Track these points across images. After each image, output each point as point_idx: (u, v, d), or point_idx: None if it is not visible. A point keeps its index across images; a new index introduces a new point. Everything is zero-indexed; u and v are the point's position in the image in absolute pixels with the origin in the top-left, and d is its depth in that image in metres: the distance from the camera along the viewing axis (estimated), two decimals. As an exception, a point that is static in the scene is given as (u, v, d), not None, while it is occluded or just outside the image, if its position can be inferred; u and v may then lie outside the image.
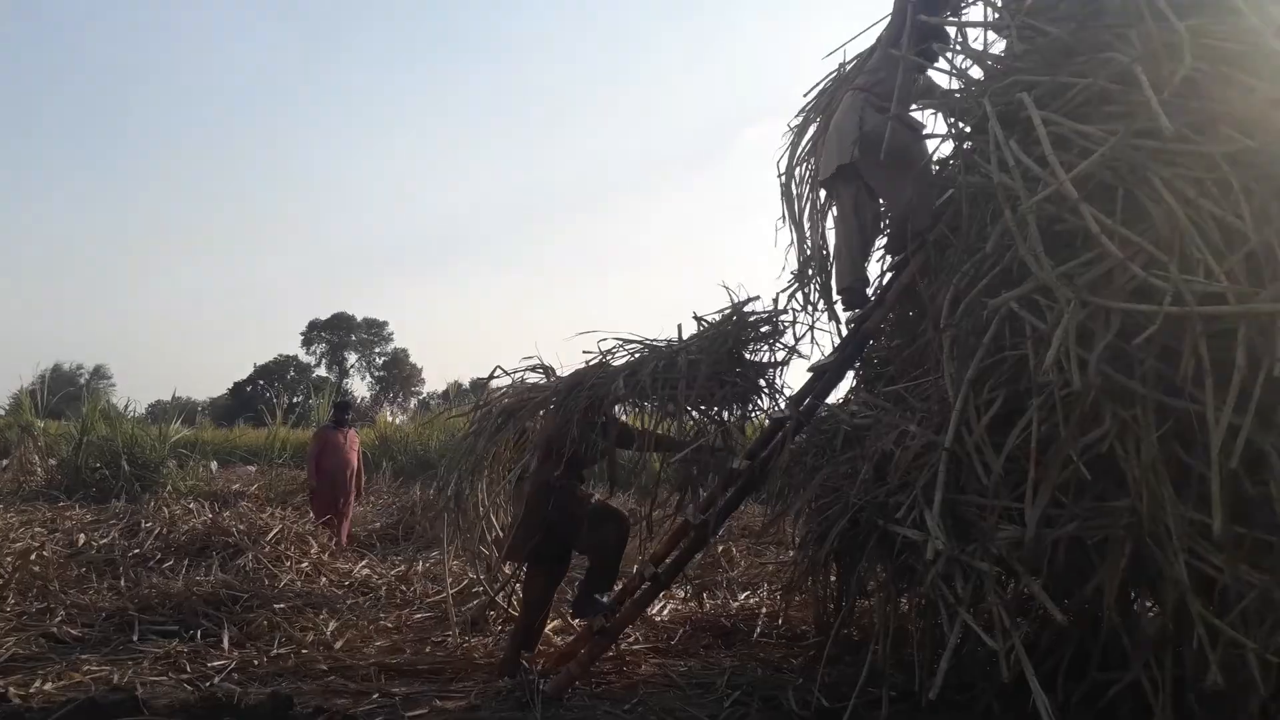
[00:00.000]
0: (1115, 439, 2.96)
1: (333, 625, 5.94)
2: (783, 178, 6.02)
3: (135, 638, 5.64)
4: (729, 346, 5.09)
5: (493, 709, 4.41)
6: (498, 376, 5.96)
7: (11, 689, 4.47)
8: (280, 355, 58.09)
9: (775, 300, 5.44)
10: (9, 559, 7.00)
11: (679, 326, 5.33)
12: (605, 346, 5.39)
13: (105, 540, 7.86)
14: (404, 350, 60.64)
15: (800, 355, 5.24)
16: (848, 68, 5.77)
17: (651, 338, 5.36)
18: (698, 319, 5.34)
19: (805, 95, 6.00)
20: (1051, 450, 3.00)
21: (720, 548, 7.56)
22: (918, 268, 4.63)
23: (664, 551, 5.15)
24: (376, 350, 61.70)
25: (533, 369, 5.84)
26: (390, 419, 25.76)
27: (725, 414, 5.16)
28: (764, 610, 6.09)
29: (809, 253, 5.80)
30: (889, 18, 5.04)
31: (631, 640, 5.48)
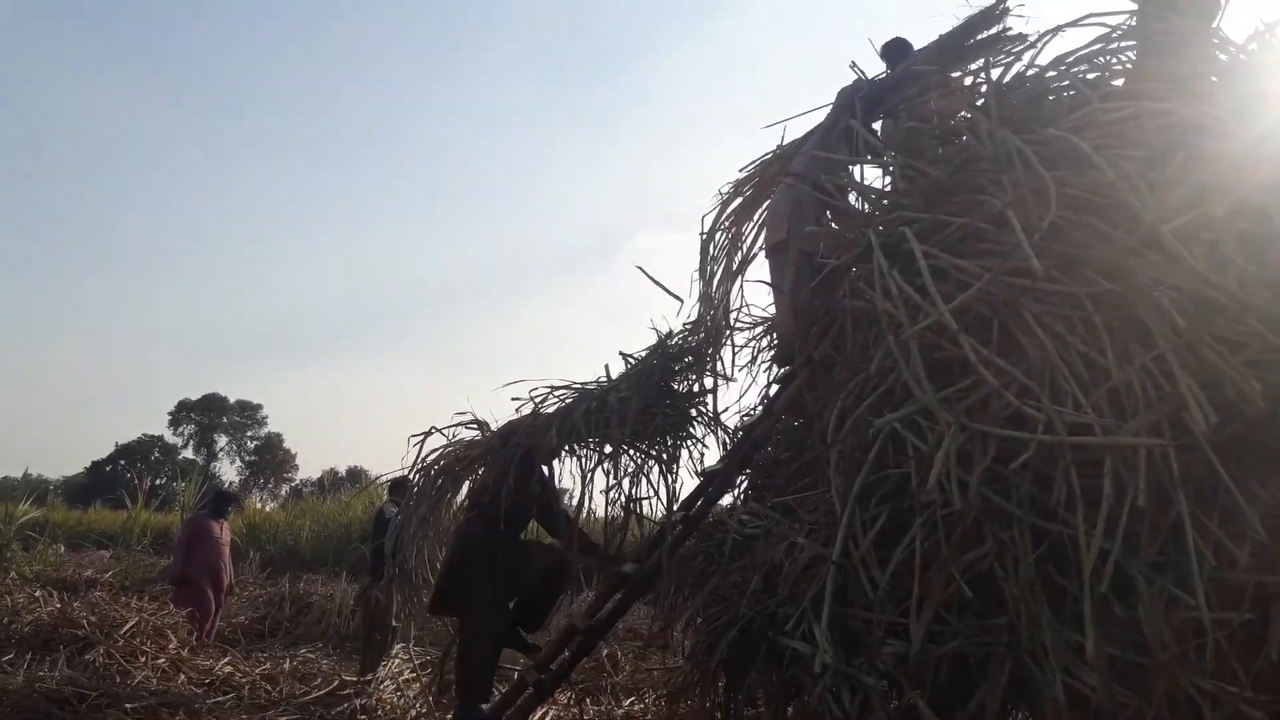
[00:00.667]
0: (995, 558, 3.10)
1: None
2: (704, 235, 6.11)
3: None
4: (656, 379, 5.22)
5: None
6: (431, 434, 5.87)
7: None
8: (144, 435, 55.27)
9: (696, 330, 5.57)
10: None
11: (606, 367, 5.47)
12: (536, 395, 5.47)
13: None
14: (278, 435, 58.69)
15: (726, 379, 5.48)
16: (784, 144, 5.99)
17: (580, 381, 5.45)
18: (625, 357, 5.46)
19: (740, 170, 6.18)
20: (935, 567, 3.12)
21: (605, 651, 7.44)
22: (803, 382, 4.81)
23: (550, 655, 5.09)
24: (249, 434, 59.46)
25: (467, 424, 5.80)
26: (260, 506, 24.71)
27: (659, 448, 5.22)
28: (650, 717, 6.02)
29: (715, 308, 5.84)
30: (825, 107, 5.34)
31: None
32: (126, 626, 7.32)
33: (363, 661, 7.34)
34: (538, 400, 5.45)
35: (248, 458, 58.33)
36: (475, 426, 5.78)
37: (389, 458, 38.69)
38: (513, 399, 5.53)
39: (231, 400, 57.66)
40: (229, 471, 56.02)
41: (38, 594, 8.91)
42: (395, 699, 6.43)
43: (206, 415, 57.32)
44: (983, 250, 3.82)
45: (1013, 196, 3.70)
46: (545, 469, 5.13)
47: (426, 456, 5.82)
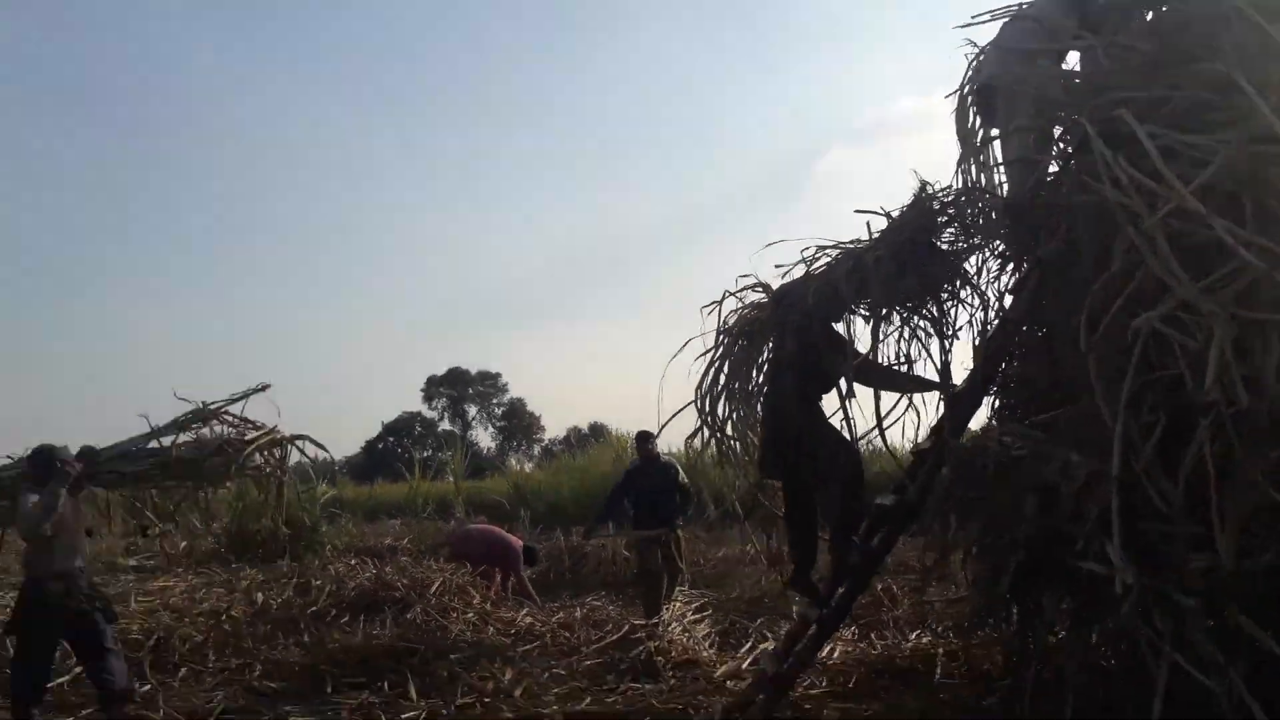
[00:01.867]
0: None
1: (509, 674, 6.15)
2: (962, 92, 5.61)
3: (329, 690, 6.02)
4: (908, 235, 5.06)
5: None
6: (725, 299, 5.94)
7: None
8: (405, 412, 59.42)
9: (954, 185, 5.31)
10: (201, 619, 7.56)
11: (868, 224, 5.29)
12: (807, 254, 5.44)
13: (282, 599, 8.22)
14: (520, 400, 61.52)
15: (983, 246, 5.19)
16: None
17: (846, 241, 5.35)
18: (886, 214, 5.24)
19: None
20: (1235, 473, 2.96)
21: (880, 586, 7.45)
22: (1036, 286, 4.60)
23: (827, 591, 5.18)
24: (494, 401, 62.66)
25: (753, 288, 5.88)
26: (519, 468, 26.12)
27: (918, 315, 5.22)
28: (941, 650, 5.88)
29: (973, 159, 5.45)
30: None
31: (807, 685, 5.48)
32: (434, 586, 8.06)
33: (645, 606, 7.73)
34: (809, 260, 5.41)
35: (498, 423, 61.57)
36: (760, 290, 5.80)
37: (623, 410, 39.68)
38: (776, 266, 5.56)
39: (473, 372, 60.97)
40: (484, 438, 59.05)
41: (354, 562, 9.84)
42: (684, 640, 6.77)
43: (454, 388, 60.81)
44: (1210, 123, 3.54)
45: (1237, 57, 3.40)
46: (831, 327, 5.15)
47: (726, 319, 5.89)
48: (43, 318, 77.51)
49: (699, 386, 5.96)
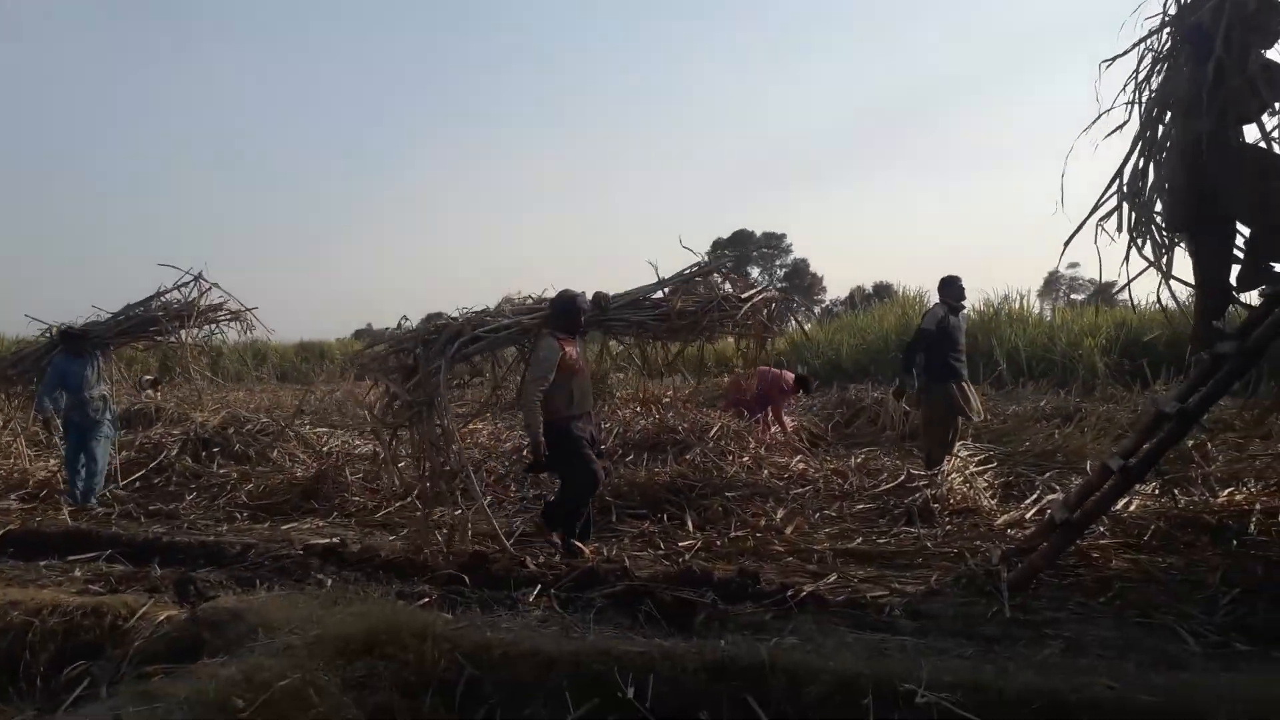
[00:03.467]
0: None
1: (781, 513, 6.28)
2: None
3: (614, 519, 6.44)
4: None
5: (954, 594, 4.41)
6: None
7: (528, 560, 5.23)
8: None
9: None
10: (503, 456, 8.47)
11: None
12: None
13: None
14: (803, 260, 60.91)
15: None
16: None
17: None
18: None
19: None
20: None
21: (1192, 442, 6.76)
22: None
23: (1134, 444, 4.76)
24: (777, 263, 62.58)
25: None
26: (799, 327, 25.97)
27: None
28: (1258, 507, 5.40)
29: None
30: None
31: (1097, 535, 5.15)
32: (713, 430, 8.38)
33: (927, 456, 7.49)
34: None
35: (779, 284, 61.80)
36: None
37: (909, 270, 38.20)
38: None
39: (758, 233, 61.06)
40: (766, 299, 59.83)
41: (638, 409, 10.51)
42: (964, 489, 6.52)
43: (739, 250, 61.52)
44: None
45: None
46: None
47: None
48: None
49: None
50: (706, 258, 7.09)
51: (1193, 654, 3.45)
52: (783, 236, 61.25)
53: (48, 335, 8.49)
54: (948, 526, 5.88)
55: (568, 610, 4.26)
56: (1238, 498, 5.79)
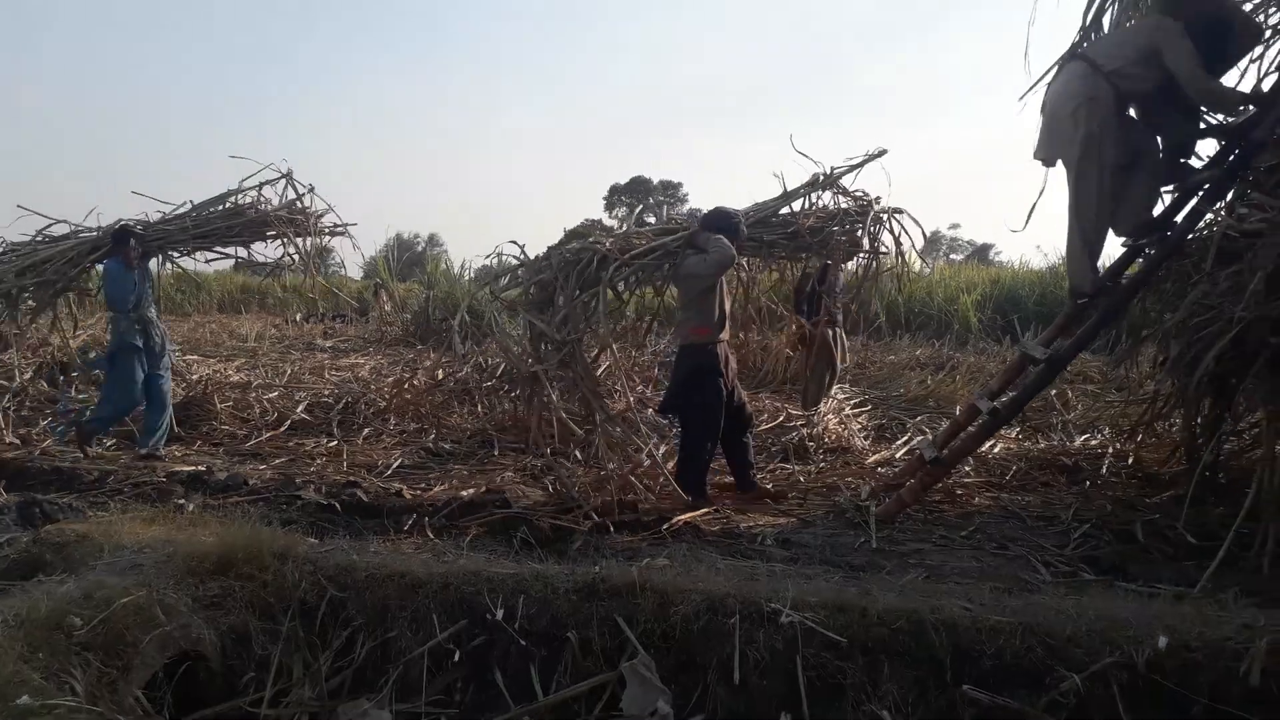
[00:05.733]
0: None
1: (663, 449, 6.21)
2: None
3: (495, 453, 6.38)
4: None
5: (825, 526, 4.51)
6: None
7: (405, 490, 5.20)
8: (587, 219, 60.58)
9: None
10: (385, 389, 8.20)
11: None
12: None
13: (460, 374, 8.72)
14: (698, 210, 61.26)
15: None
16: None
17: None
18: None
19: None
20: None
21: (1054, 390, 7.09)
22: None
23: (999, 386, 4.94)
24: (673, 212, 62.82)
25: None
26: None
27: None
28: (1110, 451, 5.72)
29: None
30: None
31: (962, 474, 5.35)
32: (600, 370, 8.20)
33: (804, 398, 7.59)
34: None
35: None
36: None
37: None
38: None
39: (655, 181, 60.76)
40: (659, 248, 60.03)
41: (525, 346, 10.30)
42: (840, 429, 6.67)
43: (635, 197, 61.06)
44: None
45: None
46: None
47: None
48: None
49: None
50: (830, 169, 6.38)
51: (1044, 582, 3.61)
52: (679, 185, 61.32)
53: (90, 233, 6.63)
54: (821, 464, 6.02)
55: (442, 538, 4.18)
56: (1093, 443, 6.11)
